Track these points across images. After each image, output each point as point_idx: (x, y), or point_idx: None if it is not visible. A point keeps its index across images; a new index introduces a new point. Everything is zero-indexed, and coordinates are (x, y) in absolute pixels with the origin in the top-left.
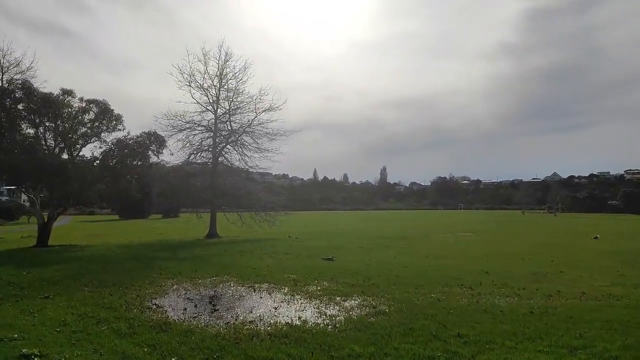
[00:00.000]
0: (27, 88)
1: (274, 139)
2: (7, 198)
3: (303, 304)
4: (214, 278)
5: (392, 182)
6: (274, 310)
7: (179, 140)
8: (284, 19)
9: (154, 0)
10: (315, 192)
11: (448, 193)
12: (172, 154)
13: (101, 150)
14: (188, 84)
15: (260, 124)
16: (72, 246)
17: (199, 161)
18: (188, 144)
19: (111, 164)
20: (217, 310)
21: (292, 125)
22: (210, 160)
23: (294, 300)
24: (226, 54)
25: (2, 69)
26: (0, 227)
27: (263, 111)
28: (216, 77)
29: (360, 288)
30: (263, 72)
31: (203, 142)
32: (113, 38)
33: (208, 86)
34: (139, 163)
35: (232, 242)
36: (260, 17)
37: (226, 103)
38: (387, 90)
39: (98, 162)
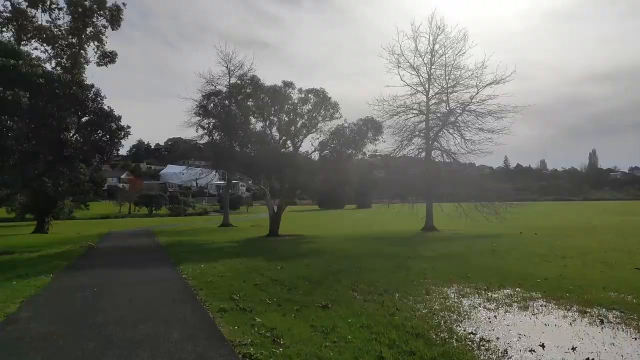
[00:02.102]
0: (255, 83)
1: (500, 117)
2: (231, 190)
3: None
4: (505, 290)
5: (604, 168)
6: None
7: (389, 126)
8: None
9: (333, 2)
10: (508, 181)
11: None
12: (384, 141)
13: (318, 140)
14: (397, 64)
15: (482, 100)
16: (299, 236)
17: (412, 147)
18: (399, 130)
19: (328, 154)
20: None
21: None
22: (423, 147)
23: None
24: (437, 27)
25: (229, 71)
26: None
27: (487, 85)
28: (427, 54)
29: None
30: None
31: (416, 127)
32: (298, 43)
33: (418, 64)
34: (353, 152)
35: (459, 237)
36: (435, 1)
37: (438, 81)
38: (589, 63)
39: (317, 152)
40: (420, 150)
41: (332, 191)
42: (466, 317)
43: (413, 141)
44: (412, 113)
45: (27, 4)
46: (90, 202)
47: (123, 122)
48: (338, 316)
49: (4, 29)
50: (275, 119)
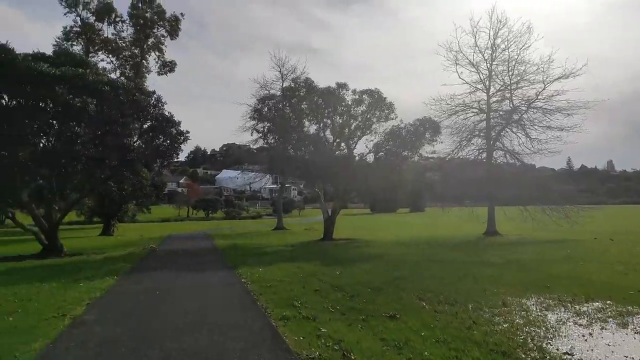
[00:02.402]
0: (309, 85)
1: (570, 114)
2: (283, 194)
3: None
4: (594, 303)
5: None
6: None
7: (447, 126)
8: None
9: (382, 5)
10: (572, 183)
11: None
12: (442, 142)
13: (373, 142)
14: (455, 62)
15: (549, 96)
16: (353, 240)
17: (471, 148)
18: (457, 130)
19: (383, 156)
20: None
21: None
22: (484, 147)
23: None
24: (499, 21)
25: (282, 76)
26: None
27: (555, 80)
28: (487, 50)
29: None
30: None
31: (475, 127)
32: (347, 47)
33: (478, 61)
34: (409, 154)
35: (526, 242)
36: None
37: (500, 78)
38: None
39: (372, 154)
40: (481, 150)
41: (386, 194)
42: (556, 333)
43: (473, 141)
44: (472, 112)
45: (94, 18)
46: (152, 206)
47: (182, 128)
48: (408, 328)
49: (74, 43)
50: (329, 121)
